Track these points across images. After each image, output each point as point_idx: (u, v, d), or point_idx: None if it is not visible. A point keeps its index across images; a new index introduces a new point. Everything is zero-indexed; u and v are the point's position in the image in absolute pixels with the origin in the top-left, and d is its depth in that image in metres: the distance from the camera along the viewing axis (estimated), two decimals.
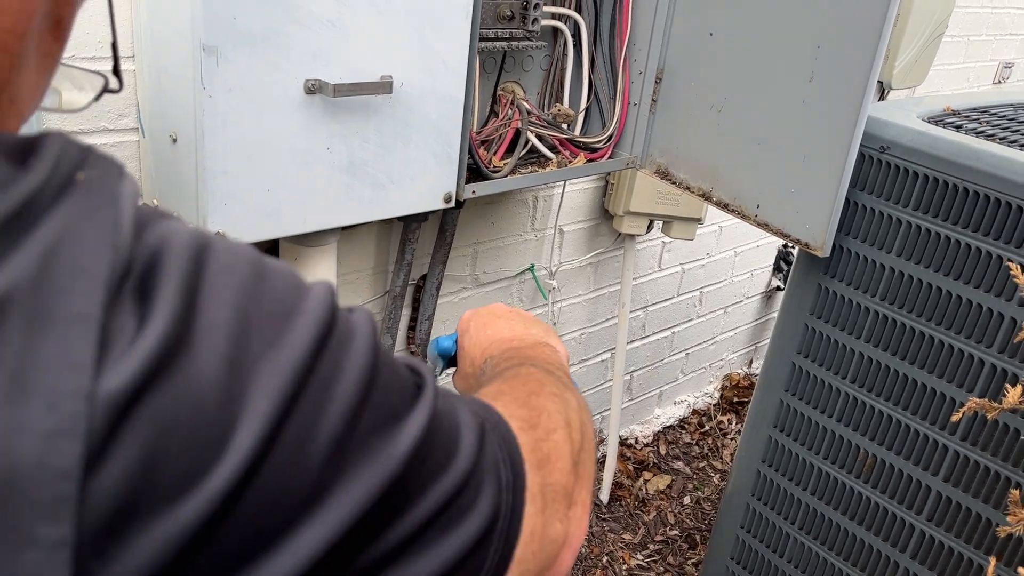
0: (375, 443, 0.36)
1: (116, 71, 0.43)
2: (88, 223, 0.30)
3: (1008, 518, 0.76)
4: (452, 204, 1.45)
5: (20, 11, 0.36)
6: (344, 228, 1.40)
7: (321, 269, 1.44)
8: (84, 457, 0.27)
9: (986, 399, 0.89)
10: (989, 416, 0.87)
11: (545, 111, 1.69)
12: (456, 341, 0.79)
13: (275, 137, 1.18)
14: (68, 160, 0.32)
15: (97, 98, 0.44)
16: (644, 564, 2.27)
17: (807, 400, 1.62)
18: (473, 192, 1.49)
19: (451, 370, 0.81)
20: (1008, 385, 0.98)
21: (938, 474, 1.45)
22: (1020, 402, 0.86)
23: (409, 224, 1.64)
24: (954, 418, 0.92)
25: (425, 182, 1.40)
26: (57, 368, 0.27)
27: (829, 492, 1.63)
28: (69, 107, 0.44)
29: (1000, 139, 1.42)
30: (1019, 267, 0.82)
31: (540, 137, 1.63)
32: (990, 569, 0.75)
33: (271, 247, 1.47)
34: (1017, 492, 0.79)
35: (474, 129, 1.50)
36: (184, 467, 0.30)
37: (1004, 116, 1.60)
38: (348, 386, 0.36)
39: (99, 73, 0.45)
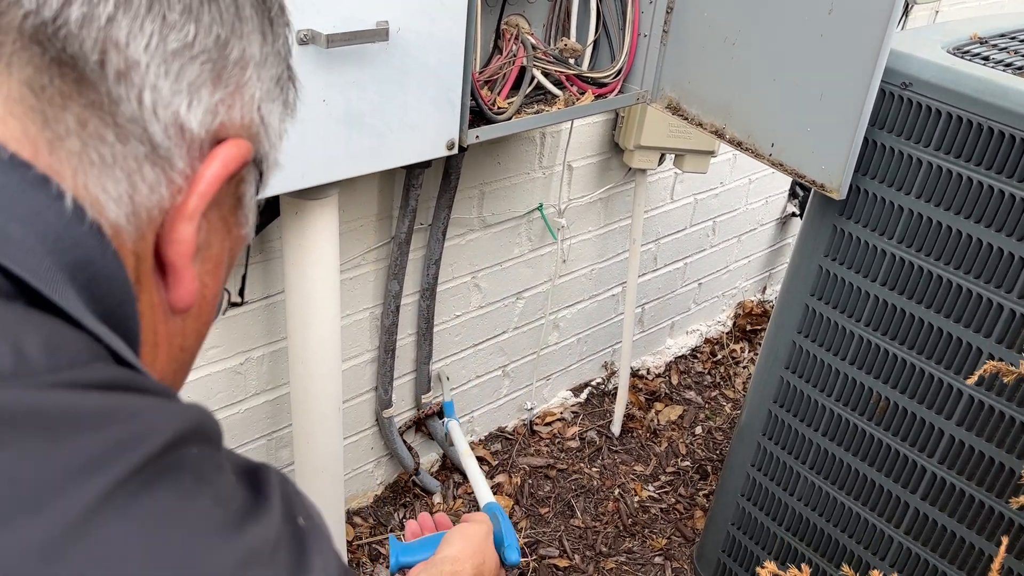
0: None
1: (241, 292, 0.53)
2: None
3: None
4: (455, 151, 1.40)
5: (211, 316, 0.47)
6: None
7: (323, 221, 1.41)
8: None
9: (1003, 363, 0.87)
10: (1007, 381, 0.84)
11: (551, 45, 1.62)
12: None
13: None
14: (287, 499, 0.40)
15: (223, 312, 0.50)
16: (655, 495, 2.30)
17: (820, 343, 1.60)
18: (477, 137, 1.44)
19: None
20: None
21: (952, 418, 1.44)
22: None
23: (412, 170, 1.60)
24: (969, 381, 0.89)
25: (426, 130, 1.35)
26: None
27: (841, 434, 1.62)
28: None
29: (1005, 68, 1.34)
30: None
31: (546, 73, 1.57)
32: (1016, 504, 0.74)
33: (271, 202, 1.44)
34: None
35: (476, 69, 1.44)
36: None
37: None
38: None
39: (226, 290, 0.51)
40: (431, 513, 1.05)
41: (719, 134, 1.58)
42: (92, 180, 0.37)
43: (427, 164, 1.54)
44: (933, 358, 1.44)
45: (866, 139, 1.41)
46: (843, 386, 1.59)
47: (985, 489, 1.43)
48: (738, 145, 1.55)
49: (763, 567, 0.90)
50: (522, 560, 1.76)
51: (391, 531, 2.01)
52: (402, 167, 1.55)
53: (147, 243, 0.39)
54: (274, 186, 1.22)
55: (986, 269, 1.34)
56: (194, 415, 0.37)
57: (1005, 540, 0.75)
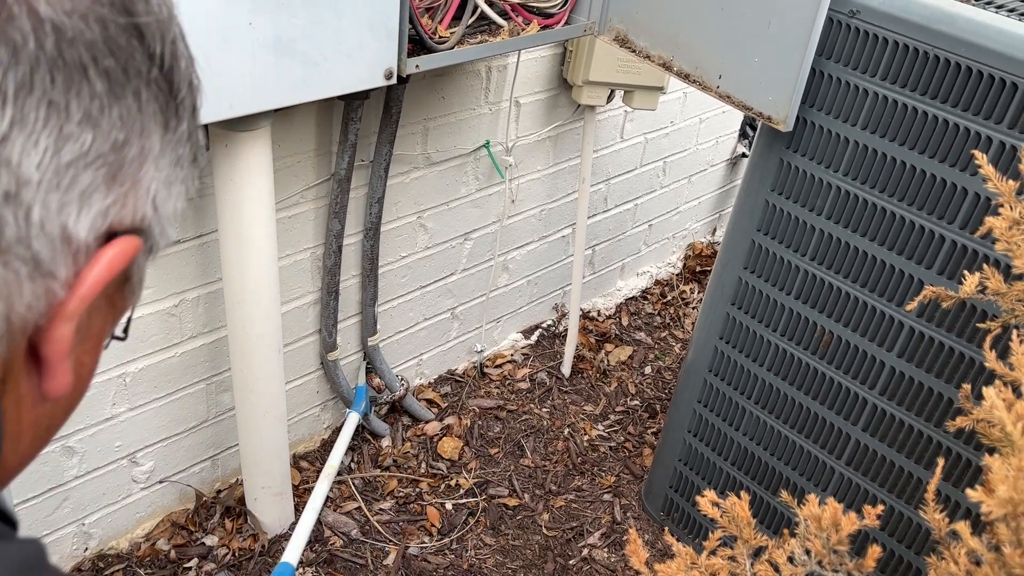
0: None
1: (126, 330, 0.47)
2: None
3: (962, 409, 0.75)
4: (394, 80, 1.35)
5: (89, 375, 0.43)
6: (278, 110, 1.30)
7: (255, 155, 1.35)
8: None
9: (942, 287, 0.86)
10: (944, 305, 0.84)
11: None
12: None
13: (190, 13, 1.06)
14: None
15: (106, 347, 0.46)
16: (605, 434, 2.32)
17: (766, 278, 1.60)
18: (417, 67, 1.38)
19: None
20: (966, 271, 0.95)
21: (892, 350, 1.46)
22: (976, 291, 0.83)
23: (351, 102, 1.54)
24: (908, 308, 0.89)
25: (363, 58, 1.29)
26: None
27: (785, 368, 1.63)
28: None
29: (976, 1, 1.33)
30: (984, 155, 0.77)
31: (490, 3, 1.52)
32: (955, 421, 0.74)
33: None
34: (969, 387, 0.78)
35: None
36: None
37: None
38: None
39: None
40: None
41: (667, 67, 1.55)
42: None
43: (365, 95, 1.48)
44: (876, 291, 1.45)
45: (813, 70, 1.39)
46: (788, 320, 1.60)
47: (924, 419, 1.45)
48: (685, 78, 1.52)
49: (703, 495, 0.89)
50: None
51: (339, 476, 1.99)
52: (339, 98, 1.49)
53: (18, 345, 0.36)
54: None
55: (929, 200, 1.34)
56: (29, 553, 0.35)
57: (941, 462, 0.75)
